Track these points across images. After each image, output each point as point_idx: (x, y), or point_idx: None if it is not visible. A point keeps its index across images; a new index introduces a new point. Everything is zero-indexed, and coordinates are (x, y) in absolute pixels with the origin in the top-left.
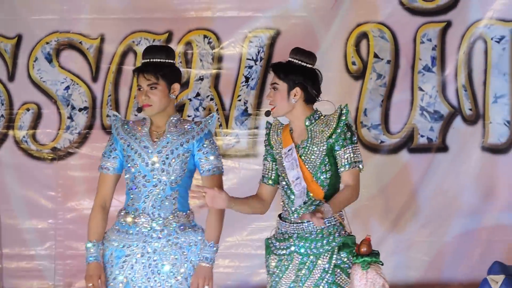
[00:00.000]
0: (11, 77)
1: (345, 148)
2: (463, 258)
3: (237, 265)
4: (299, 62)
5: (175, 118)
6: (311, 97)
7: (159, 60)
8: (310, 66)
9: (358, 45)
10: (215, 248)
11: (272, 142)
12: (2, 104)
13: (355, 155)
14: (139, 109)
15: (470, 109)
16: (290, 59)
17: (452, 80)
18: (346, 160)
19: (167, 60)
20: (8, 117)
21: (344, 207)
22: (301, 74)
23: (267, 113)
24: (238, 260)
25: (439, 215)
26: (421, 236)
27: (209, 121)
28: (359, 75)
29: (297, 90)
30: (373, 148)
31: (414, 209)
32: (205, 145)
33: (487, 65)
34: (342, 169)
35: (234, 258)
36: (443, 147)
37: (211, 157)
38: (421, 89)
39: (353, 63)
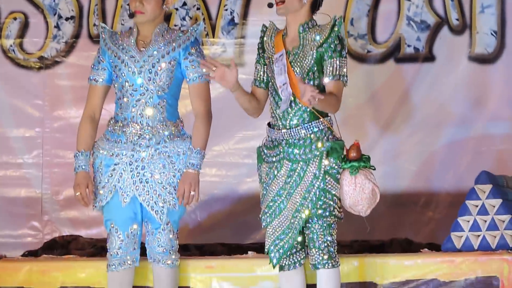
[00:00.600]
0: None
1: (332, 60)
2: (450, 167)
3: (224, 174)
4: None
5: (162, 28)
6: (316, 3)
7: None
8: None
9: None
10: (201, 155)
11: (265, 46)
12: None
13: (340, 68)
14: (131, 15)
15: (457, 19)
16: None
17: None
18: (331, 71)
19: None
20: None
21: (325, 108)
22: None
23: (270, 5)
24: (225, 169)
25: (426, 124)
26: (408, 145)
27: (196, 29)
28: None
29: None
30: (360, 58)
31: (402, 118)
32: (191, 53)
33: None
34: (326, 79)
35: (221, 167)
36: (430, 57)
37: (197, 65)
38: None
39: None
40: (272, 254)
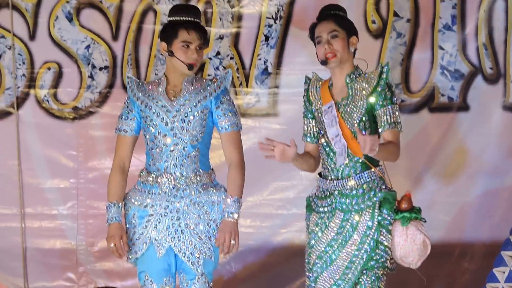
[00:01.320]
0: (32, 36)
1: (384, 108)
2: (485, 218)
3: (258, 225)
4: (343, 14)
5: (191, 77)
6: (355, 51)
7: (200, 21)
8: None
9: (378, 3)
10: (239, 203)
11: (311, 98)
12: (24, 63)
13: (394, 115)
14: (191, 67)
15: (491, 68)
16: (332, 12)
17: (473, 39)
18: (386, 120)
19: (202, 23)
20: (30, 76)
21: (387, 157)
22: (351, 23)
23: (324, 63)
24: (259, 220)
25: (460, 174)
26: (442, 195)
27: (225, 77)
28: (379, 34)
29: (355, 39)
30: None
31: (435, 168)
32: (222, 102)
33: (508, 23)
34: (381, 129)
35: (255, 218)
36: (464, 106)
37: (229, 114)
38: (441, 48)
39: (373, 22)
40: None
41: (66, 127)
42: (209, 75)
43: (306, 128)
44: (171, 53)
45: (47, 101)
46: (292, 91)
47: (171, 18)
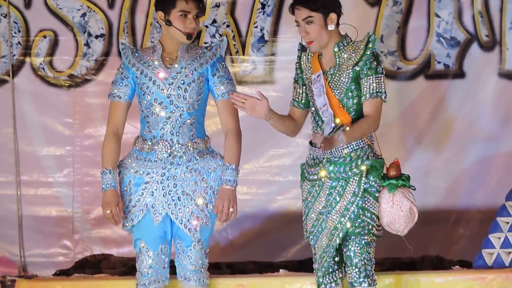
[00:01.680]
0: (28, 4)
1: (368, 77)
2: (481, 184)
3: (254, 192)
4: None
5: (186, 44)
6: (338, 20)
7: None
8: None
9: None
10: (236, 171)
11: (302, 66)
12: (19, 31)
13: (378, 85)
14: (190, 36)
15: (487, 36)
16: None
17: (469, 6)
18: (368, 89)
19: None
20: (25, 44)
21: (362, 136)
22: (323, 2)
23: (303, 48)
24: (256, 187)
25: (456, 141)
26: (438, 162)
27: (220, 45)
28: (375, 2)
29: (333, 15)
30: (390, 75)
31: (432, 135)
32: (218, 70)
33: None
34: (363, 98)
35: (251, 184)
36: (460, 74)
37: (226, 81)
38: (437, 16)
39: None
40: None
41: (62, 95)
42: (205, 42)
43: (295, 93)
44: (168, 23)
45: (43, 69)
46: (289, 58)
47: None
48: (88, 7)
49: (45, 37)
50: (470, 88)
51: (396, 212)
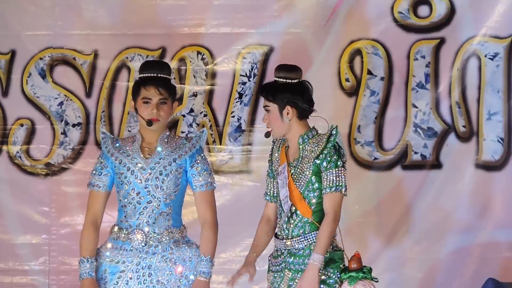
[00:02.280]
0: (5, 93)
1: (328, 171)
2: (457, 275)
3: None
4: (284, 80)
5: (166, 134)
6: (304, 111)
7: (166, 76)
8: (296, 81)
9: (351, 61)
10: (211, 263)
11: (273, 158)
12: None
13: (337, 179)
14: (150, 123)
15: (464, 126)
16: (276, 78)
17: (446, 97)
18: (328, 183)
19: (170, 78)
20: (2, 132)
21: (331, 238)
22: (288, 91)
23: (267, 134)
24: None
25: (433, 232)
26: (415, 253)
27: (200, 136)
28: (353, 92)
29: (288, 109)
30: (367, 165)
31: (408, 226)
32: (197, 161)
33: (481, 82)
34: (324, 191)
35: (228, 274)
36: (437, 164)
37: (204, 173)
38: (414, 106)
39: (347, 80)
40: None
41: (39, 183)
42: (182, 132)
43: (267, 186)
44: (136, 110)
45: (20, 157)
46: (265, 148)
47: (138, 76)
48: (66, 95)
49: (22, 125)
50: (447, 178)
51: None
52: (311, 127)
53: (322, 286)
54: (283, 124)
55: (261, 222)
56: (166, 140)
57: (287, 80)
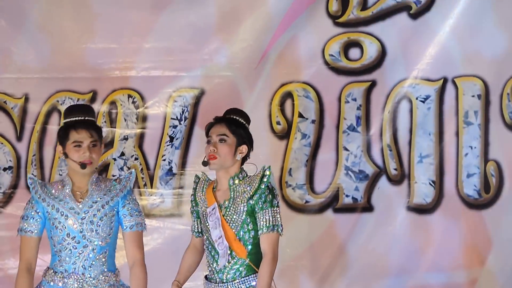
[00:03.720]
0: None
1: (264, 211)
2: None
3: None
4: (242, 121)
5: (95, 177)
6: (248, 155)
7: (92, 119)
8: (248, 125)
9: (282, 104)
10: None
11: (197, 199)
12: None
13: (274, 219)
14: (83, 166)
15: (395, 169)
16: (233, 117)
17: (377, 140)
18: (264, 223)
19: (96, 120)
20: None
21: (271, 278)
22: (245, 131)
23: (205, 163)
24: None
25: (365, 275)
26: None
27: (130, 177)
28: (284, 135)
29: (244, 148)
30: (298, 208)
31: (341, 268)
32: (128, 202)
33: (412, 124)
34: (260, 232)
35: None
36: (368, 207)
37: (135, 213)
38: (346, 149)
39: (278, 123)
40: None
41: None
42: (113, 175)
43: (192, 224)
44: (65, 155)
45: None
46: None
47: (64, 121)
48: None
49: None
50: (378, 221)
51: None
52: (241, 169)
53: None
54: (232, 159)
55: (187, 251)
56: (96, 183)
57: (244, 122)
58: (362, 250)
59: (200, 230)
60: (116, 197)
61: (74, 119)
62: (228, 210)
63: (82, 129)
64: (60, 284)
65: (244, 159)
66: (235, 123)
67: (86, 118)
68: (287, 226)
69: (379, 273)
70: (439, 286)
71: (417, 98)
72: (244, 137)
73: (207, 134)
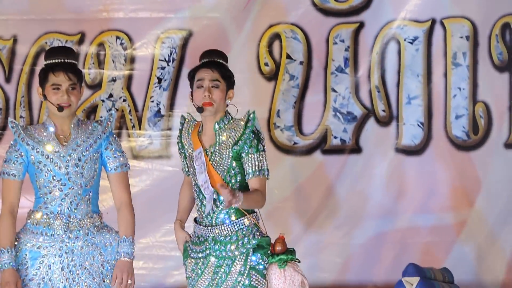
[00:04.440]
0: None
1: (249, 155)
2: (377, 260)
3: (151, 266)
4: (226, 64)
5: (76, 120)
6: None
7: (73, 61)
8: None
9: (270, 46)
10: (133, 243)
11: (183, 141)
12: None
13: (260, 163)
14: (61, 108)
15: (384, 110)
16: (217, 60)
17: (365, 81)
18: (251, 168)
19: (77, 63)
20: None
21: (251, 205)
22: (232, 76)
23: (200, 110)
24: (152, 261)
25: (353, 216)
26: (335, 237)
27: (110, 118)
28: (272, 76)
29: (232, 92)
30: (286, 150)
31: (328, 210)
32: (111, 143)
33: (401, 66)
34: (247, 176)
35: (148, 259)
36: (356, 149)
37: (118, 154)
38: (334, 90)
39: (266, 64)
40: None
41: None
42: (101, 117)
43: (183, 164)
44: (44, 97)
45: None
46: None
47: (44, 62)
48: None
49: None
50: (366, 163)
51: (289, 287)
52: (226, 111)
53: (251, 271)
54: (224, 104)
55: (182, 189)
56: (78, 126)
57: (226, 65)
58: (350, 192)
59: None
60: (99, 139)
61: (53, 61)
62: (214, 155)
63: (60, 71)
64: (45, 225)
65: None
66: (225, 67)
67: (66, 60)
68: (275, 167)
69: (367, 215)
70: (427, 227)
71: (405, 40)
72: (232, 82)
73: (193, 78)
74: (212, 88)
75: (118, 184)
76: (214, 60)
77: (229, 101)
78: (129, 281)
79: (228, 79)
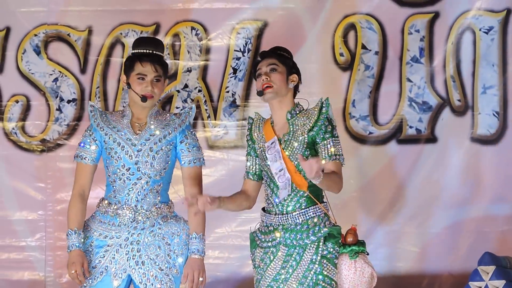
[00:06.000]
0: (0, 69)
1: (326, 141)
2: (452, 249)
3: (226, 256)
4: (288, 55)
5: (155, 110)
6: (298, 87)
7: (161, 54)
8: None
9: (345, 36)
10: (203, 240)
11: (254, 136)
12: None
13: (335, 148)
14: (144, 99)
15: (459, 100)
16: (278, 51)
17: (441, 71)
18: (327, 153)
19: (164, 55)
20: None
21: (330, 186)
22: (293, 62)
23: (260, 93)
24: (228, 251)
25: (428, 206)
26: (409, 227)
27: (189, 112)
28: (347, 66)
29: (295, 77)
30: (362, 139)
31: (403, 200)
32: (187, 137)
33: (476, 56)
34: (323, 162)
35: (223, 249)
36: (432, 138)
37: (194, 149)
38: (409, 80)
39: (341, 55)
40: None
41: (34, 159)
42: (177, 107)
43: (248, 165)
44: (128, 85)
45: (15, 133)
46: None
47: (132, 51)
48: (60, 72)
49: (17, 101)
50: (442, 152)
51: (359, 278)
52: (297, 103)
53: (323, 260)
54: (286, 87)
55: (241, 192)
56: (155, 116)
57: (290, 57)
58: (425, 182)
59: (255, 172)
60: (174, 131)
61: (141, 51)
62: (287, 143)
63: (148, 62)
64: (113, 215)
65: (295, 93)
66: (283, 54)
67: (154, 51)
68: (350, 157)
69: (443, 204)
70: (503, 217)
71: (480, 29)
72: (292, 67)
73: (255, 72)
74: (270, 72)
75: (190, 179)
76: (271, 51)
77: (292, 84)
78: (201, 279)
79: (289, 65)
